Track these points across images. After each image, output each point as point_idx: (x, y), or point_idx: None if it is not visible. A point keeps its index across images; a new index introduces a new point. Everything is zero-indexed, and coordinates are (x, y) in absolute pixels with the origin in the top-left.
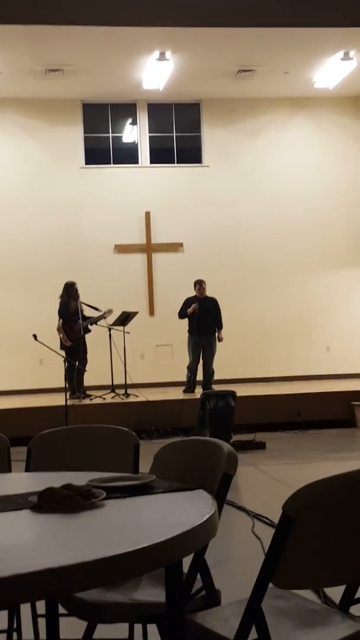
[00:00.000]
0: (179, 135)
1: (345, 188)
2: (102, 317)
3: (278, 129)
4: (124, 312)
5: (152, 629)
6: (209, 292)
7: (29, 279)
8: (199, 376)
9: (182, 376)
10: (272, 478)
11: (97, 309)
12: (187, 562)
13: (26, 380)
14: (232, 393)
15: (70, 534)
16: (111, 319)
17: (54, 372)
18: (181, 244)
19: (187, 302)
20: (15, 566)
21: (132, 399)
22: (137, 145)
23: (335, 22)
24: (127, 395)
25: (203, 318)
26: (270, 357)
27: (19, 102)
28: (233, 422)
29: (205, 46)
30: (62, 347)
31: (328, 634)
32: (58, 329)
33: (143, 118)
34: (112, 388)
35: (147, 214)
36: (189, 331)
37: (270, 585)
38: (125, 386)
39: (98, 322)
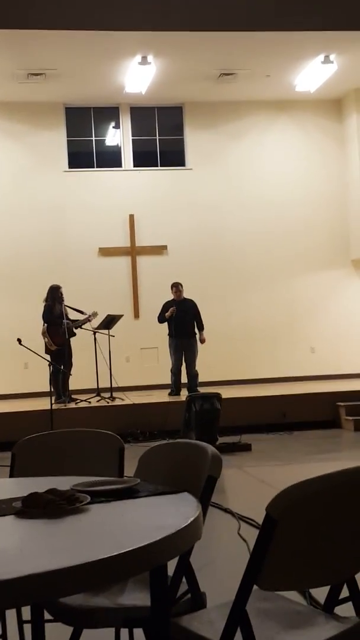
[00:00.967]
0: (162, 138)
1: (328, 190)
2: (87, 320)
3: (260, 132)
4: (108, 315)
5: (139, 633)
6: (193, 295)
7: (13, 283)
8: (184, 379)
9: (168, 379)
10: (257, 480)
11: (82, 312)
12: (172, 565)
13: (11, 385)
14: (218, 395)
15: (55, 539)
16: (96, 322)
17: (39, 377)
18: (165, 247)
19: (166, 306)
20: None
21: (117, 402)
22: (120, 148)
23: (316, 25)
24: (112, 398)
25: (182, 320)
26: (255, 359)
27: (1, 106)
28: (219, 424)
29: (187, 50)
30: (47, 351)
31: (313, 635)
32: (43, 333)
33: (126, 121)
34: (98, 391)
35: (131, 217)
36: (168, 334)
37: (255, 587)
38: (111, 389)
39: (83, 326)
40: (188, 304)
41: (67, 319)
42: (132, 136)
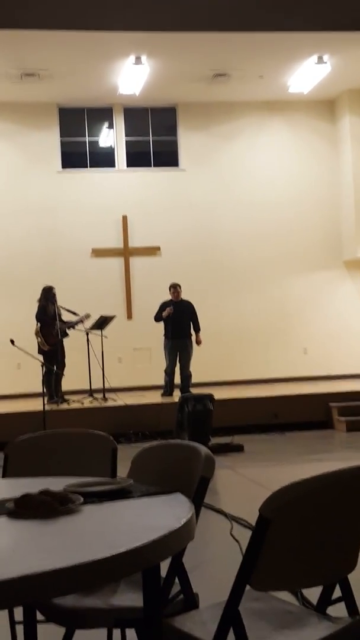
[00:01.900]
0: (155, 139)
1: (321, 191)
2: (80, 321)
3: (254, 132)
4: (101, 316)
5: (132, 634)
6: (187, 296)
7: (5, 284)
8: (177, 379)
9: (160, 379)
10: (250, 480)
11: (75, 313)
12: (165, 565)
13: (3, 385)
14: (210, 396)
15: (47, 540)
16: (89, 323)
17: (32, 377)
18: (158, 248)
19: (163, 306)
20: None
21: (110, 403)
22: (113, 149)
23: (309, 26)
24: (105, 399)
25: (178, 321)
26: (247, 360)
27: None
28: (211, 425)
29: (180, 51)
30: (40, 351)
31: (305, 635)
32: (36, 333)
33: (119, 122)
34: (90, 392)
35: (124, 218)
36: (164, 335)
37: (248, 587)
38: (104, 390)
39: (76, 326)
40: (185, 305)
41: (60, 319)
42: (126, 137)
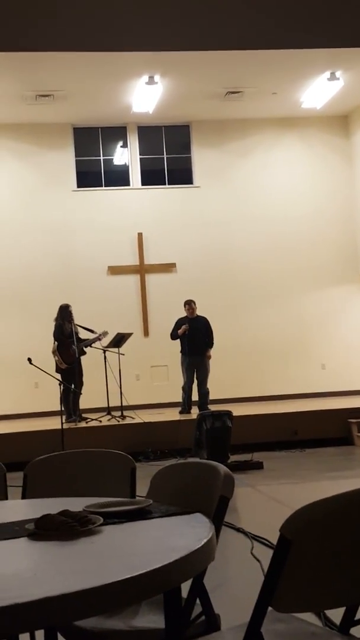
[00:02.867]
0: (169, 156)
1: (336, 206)
2: (97, 339)
3: (267, 149)
4: (118, 334)
5: None
6: (203, 312)
7: (23, 303)
8: (195, 396)
9: (178, 397)
10: (270, 498)
11: (92, 331)
12: (186, 586)
13: (22, 404)
14: (229, 413)
15: (68, 562)
16: (106, 340)
17: (50, 396)
18: (174, 265)
19: (178, 323)
20: (13, 595)
21: (128, 420)
22: (128, 167)
23: (322, 43)
24: (123, 417)
25: (194, 338)
26: (265, 376)
27: (10, 127)
28: (230, 442)
29: (193, 69)
30: (58, 370)
31: None
32: (53, 352)
33: (133, 141)
34: (108, 410)
35: (140, 235)
36: (181, 352)
37: (270, 608)
38: (121, 408)
39: (93, 344)
40: (200, 321)
41: (78, 337)
42: (140, 155)
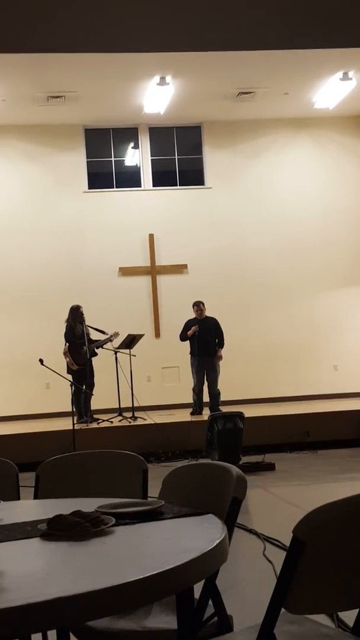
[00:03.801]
0: (180, 157)
1: (348, 206)
2: (109, 340)
3: (279, 149)
4: (129, 335)
5: None
6: (214, 313)
7: (34, 304)
8: (205, 398)
9: (189, 398)
10: (282, 500)
11: (103, 332)
12: (198, 587)
13: (33, 405)
14: (240, 414)
15: (80, 562)
16: (117, 341)
17: (61, 397)
18: (185, 266)
19: (188, 324)
20: (26, 595)
21: (139, 422)
22: (139, 168)
23: (334, 43)
24: (134, 418)
25: (204, 339)
26: (277, 377)
27: (22, 128)
28: (241, 443)
29: (205, 70)
30: (69, 371)
31: None
32: (64, 353)
33: (145, 142)
34: (119, 411)
35: (151, 236)
36: (191, 353)
37: (283, 610)
38: (133, 409)
39: (104, 346)
40: (210, 322)
41: (89, 338)
42: (151, 156)
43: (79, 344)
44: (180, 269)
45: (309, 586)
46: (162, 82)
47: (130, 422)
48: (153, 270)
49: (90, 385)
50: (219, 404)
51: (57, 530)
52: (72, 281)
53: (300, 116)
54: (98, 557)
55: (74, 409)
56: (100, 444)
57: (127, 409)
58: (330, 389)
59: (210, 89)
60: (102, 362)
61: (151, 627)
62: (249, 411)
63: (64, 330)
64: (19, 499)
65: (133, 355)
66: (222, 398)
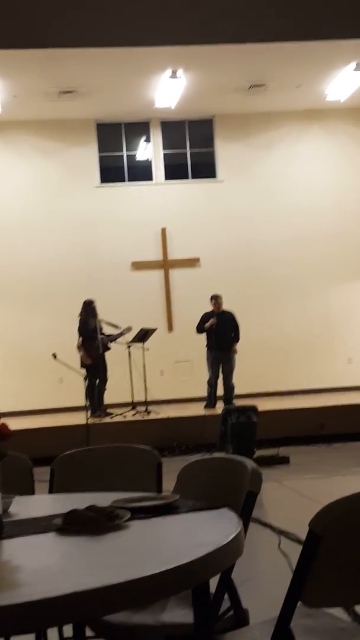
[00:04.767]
0: (193, 151)
1: None
2: (122, 334)
3: (291, 142)
4: (142, 329)
5: None
6: (228, 306)
7: (47, 299)
8: (220, 391)
9: (203, 391)
10: (297, 493)
11: (116, 326)
12: (214, 581)
13: (47, 400)
14: (254, 408)
15: (96, 557)
16: (130, 335)
17: (75, 391)
18: (198, 259)
19: (205, 317)
20: (42, 590)
21: (153, 415)
22: (151, 162)
23: (346, 34)
24: (147, 412)
25: (220, 332)
26: (291, 370)
27: (34, 124)
28: (256, 437)
29: (216, 63)
30: (82, 365)
31: None
32: (78, 347)
33: (157, 135)
34: (133, 405)
35: (163, 230)
36: (207, 346)
37: (299, 603)
38: (146, 403)
39: (117, 340)
40: (227, 316)
41: (102, 333)
42: (163, 150)
43: (93, 338)
44: (192, 262)
45: (325, 580)
46: (174, 75)
47: (143, 416)
48: (165, 264)
49: (104, 380)
50: (233, 398)
51: (73, 524)
52: (85, 276)
53: (312, 108)
54: (113, 552)
55: (88, 403)
56: (114, 438)
57: (140, 403)
58: (344, 381)
59: (222, 82)
60: (115, 357)
61: (167, 621)
62: (263, 404)
63: (77, 324)
64: (33, 493)
65: (146, 349)
66: (236, 391)
